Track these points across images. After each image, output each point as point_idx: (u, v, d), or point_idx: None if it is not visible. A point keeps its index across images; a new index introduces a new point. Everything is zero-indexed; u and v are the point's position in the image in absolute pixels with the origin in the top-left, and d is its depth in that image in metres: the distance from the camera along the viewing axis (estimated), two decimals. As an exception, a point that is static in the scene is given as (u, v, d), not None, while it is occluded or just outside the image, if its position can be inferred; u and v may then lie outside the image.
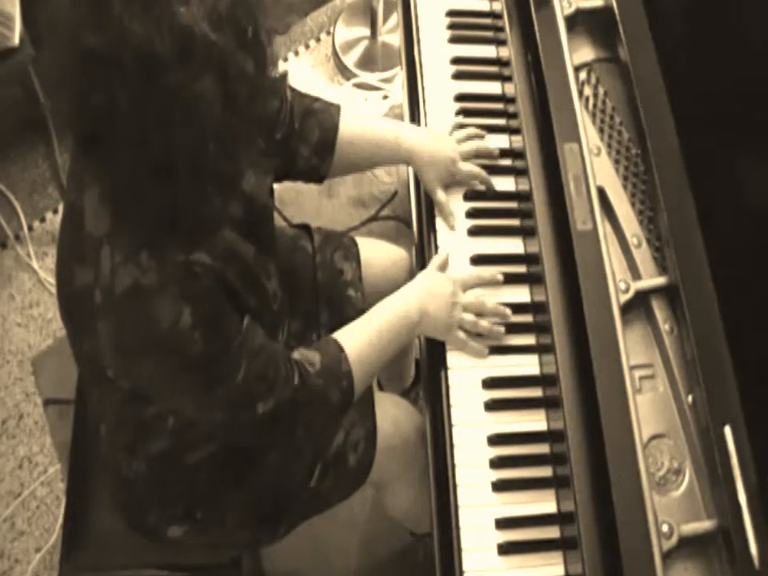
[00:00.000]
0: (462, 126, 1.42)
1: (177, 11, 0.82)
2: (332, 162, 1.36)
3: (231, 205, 1.07)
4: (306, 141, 1.33)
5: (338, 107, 1.37)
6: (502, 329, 1.26)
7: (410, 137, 1.37)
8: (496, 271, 1.30)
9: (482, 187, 1.39)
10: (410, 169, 1.43)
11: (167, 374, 1.03)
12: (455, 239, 1.35)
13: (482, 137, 1.41)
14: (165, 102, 0.84)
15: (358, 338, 1.21)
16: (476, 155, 1.39)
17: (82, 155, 1.00)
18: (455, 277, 1.29)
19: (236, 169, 1.03)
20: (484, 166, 1.39)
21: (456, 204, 1.38)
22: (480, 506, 1.16)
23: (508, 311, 1.27)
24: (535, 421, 1.21)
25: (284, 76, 1.20)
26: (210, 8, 0.84)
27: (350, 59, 2.48)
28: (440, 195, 1.36)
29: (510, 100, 1.40)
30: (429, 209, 1.40)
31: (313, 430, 1.24)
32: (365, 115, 1.48)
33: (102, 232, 0.98)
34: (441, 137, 1.39)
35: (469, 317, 1.25)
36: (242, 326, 1.04)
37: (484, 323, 1.25)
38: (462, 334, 1.25)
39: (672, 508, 1.06)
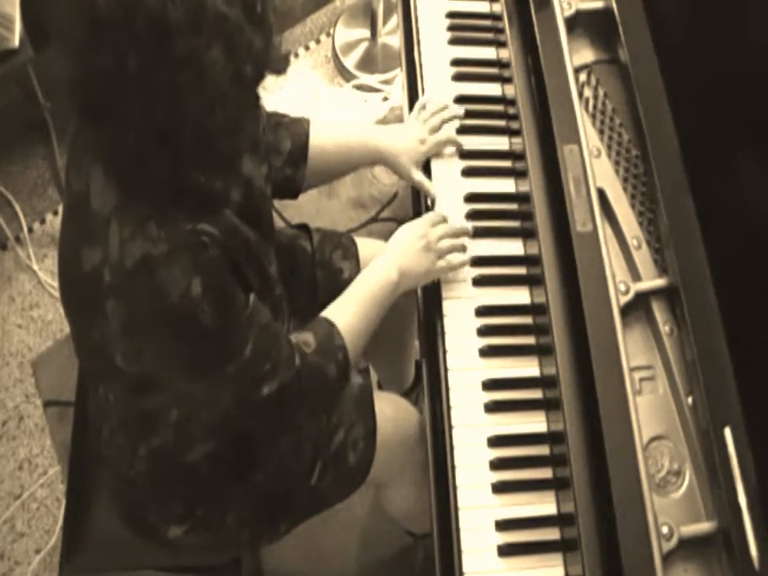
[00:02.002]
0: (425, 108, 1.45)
1: None
2: (305, 171, 1.39)
3: (232, 189, 1.08)
4: (279, 151, 1.36)
5: (306, 119, 1.40)
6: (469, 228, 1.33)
7: (377, 135, 1.42)
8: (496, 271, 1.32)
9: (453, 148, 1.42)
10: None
11: (178, 348, 1.03)
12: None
13: (446, 108, 1.44)
14: (175, 69, 0.86)
15: (346, 312, 1.24)
16: (443, 123, 1.42)
17: (85, 128, 1.00)
18: (421, 218, 1.33)
19: (238, 146, 1.04)
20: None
21: (456, 206, 1.38)
22: (480, 508, 1.16)
23: (468, 227, 1.34)
24: (535, 422, 1.21)
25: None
26: None
27: (350, 61, 2.48)
28: (416, 175, 1.40)
29: (510, 102, 1.40)
30: (429, 210, 1.39)
31: (315, 408, 1.26)
32: (333, 124, 1.52)
33: (110, 209, 0.98)
34: (406, 124, 1.43)
35: (443, 243, 1.29)
36: (248, 301, 1.06)
37: (459, 241, 1.31)
38: (442, 263, 1.29)
39: (672, 509, 1.06)
